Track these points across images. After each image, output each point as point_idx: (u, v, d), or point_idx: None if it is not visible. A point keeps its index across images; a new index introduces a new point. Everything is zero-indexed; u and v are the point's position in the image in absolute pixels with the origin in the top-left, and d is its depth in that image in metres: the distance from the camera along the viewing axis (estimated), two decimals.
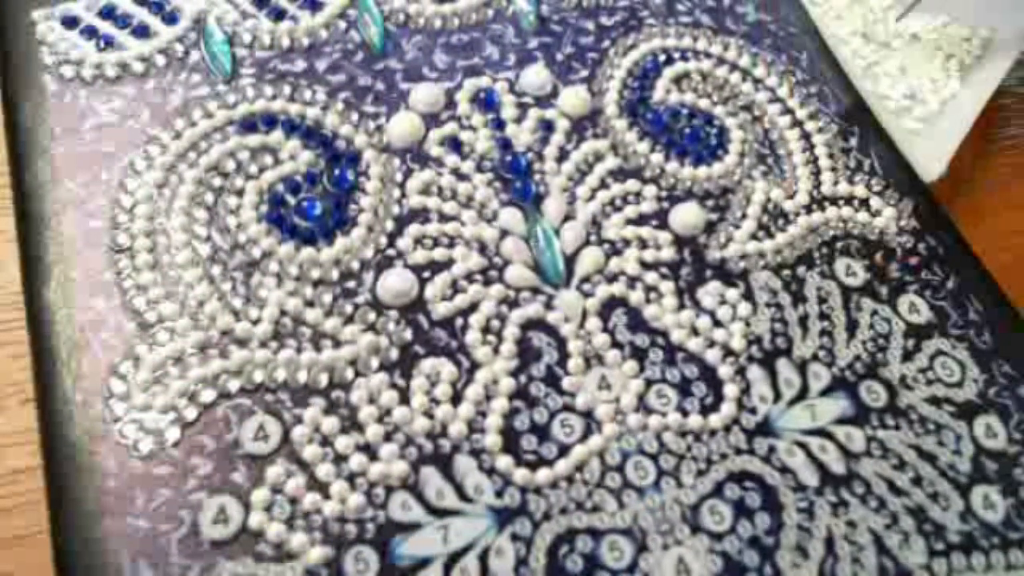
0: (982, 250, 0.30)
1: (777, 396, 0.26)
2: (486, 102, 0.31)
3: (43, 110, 0.29)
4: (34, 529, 0.24)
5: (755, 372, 0.27)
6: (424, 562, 0.23)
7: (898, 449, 0.26)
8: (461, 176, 0.29)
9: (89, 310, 0.25)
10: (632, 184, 0.30)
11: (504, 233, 0.28)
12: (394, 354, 0.26)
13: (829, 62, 0.35)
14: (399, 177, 0.29)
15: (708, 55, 0.34)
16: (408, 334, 0.26)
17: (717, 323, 0.28)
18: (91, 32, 0.31)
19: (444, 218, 0.28)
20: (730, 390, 0.26)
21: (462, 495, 0.24)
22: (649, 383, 0.26)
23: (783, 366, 0.27)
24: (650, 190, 0.30)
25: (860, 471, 0.25)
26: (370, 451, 0.24)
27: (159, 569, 0.22)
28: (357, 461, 0.24)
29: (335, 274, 0.27)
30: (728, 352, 0.27)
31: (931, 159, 0.34)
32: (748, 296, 0.28)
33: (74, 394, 0.24)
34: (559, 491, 0.24)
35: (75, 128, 0.29)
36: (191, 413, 0.24)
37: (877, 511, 0.25)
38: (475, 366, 0.26)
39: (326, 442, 0.24)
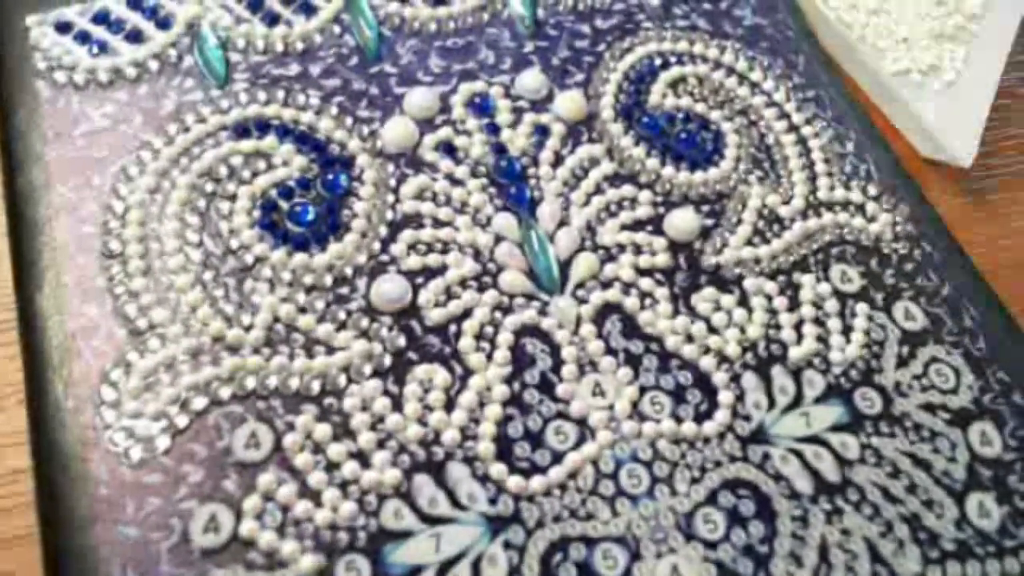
0: (982, 251, 0.30)
1: (772, 403, 0.26)
2: (481, 107, 0.31)
3: (37, 115, 0.29)
4: (34, 529, 0.23)
5: (749, 379, 0.27)
6: (416, 570, 0.23)
7: (892, 456, 0.26)
8: (455, 181, 0.29)
9: (81, 316, 0.25)
10: (627, 189, 0.30)
11: (498, 239, 0.28)
12: (387, 361, 0.26)
13: (826, 66, 0.35)
14: (393, 182, 0.29)
15: (705, 59, 0.34)
16: (401, 340, 0.26)
17: (712, 330, 0.28)
18: (84, 37, 0.31)
19: (438, 223, 0.28)
20: (724, 397, 0.26)
21: (455, 503, 0.24)
22: (643, 390, 0.26)
23: (778, 373, 0.27)
24: (645, 195, 0.30)
25: (855, 479, 0.25)
26: (363, 458, 0.24)
27: None
28: (349, 468, 0.24)
29: (328, 280, 0.27)
30: (723, 359, 0.27)
31: (963, 135, 0.35)
32: (743, 302, 0.28)
33: (66, 401, 0.24)
34: (552, 499, 0.24)
35: (68, 133, 0.29)
36: (182, 420, 0.24)
37: (871, 519, 0.25)
38: (468, 373, 0.26)
39: (318, 449, 0.24)
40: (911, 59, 0.36)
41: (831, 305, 0.28)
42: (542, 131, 0.31)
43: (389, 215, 0.28)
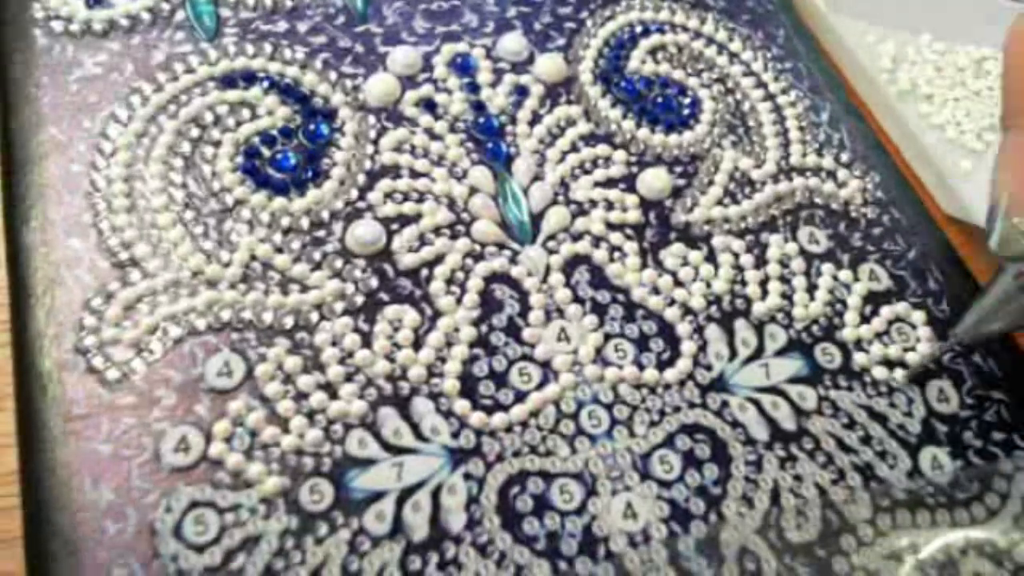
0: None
1: (733, 354, 0.27)
2: (463, 66, 0.32)
3: (32, 62, 0.30)
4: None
5: (713, 331, 0.27)
6: (378, 495, 0.23)
7: (849, 409, 0.27)
8: (434, 136, 0.30)
9: (66, 249, 0.26)
10: (602, 148, 0.31)
11: (473, 190, 0.29)
12: (359, 300, 0.26)
13: (804, 39, 0.35)
14: (373, 134, 0.30)
15: (685, 28, 0.34)
16: (374, 282, 0.27)
17: (678, 283, 0.28)
18: None
19: (415, 174, 0.29)
20: (687, 347, 0.27)
21: (418, 435, 0.24)
22: (608, 337, 0.27)
23: (741, 326, 0.28)
24: (620, 155, 0.31)
25: (810, 428, 0.26)
26: (331, 390, 0.25)
27: (120, 492, 0.22)
28: (317, 399, 0.25)
29: (305, 223, 0.28)
30: (687, 311, 0.28)
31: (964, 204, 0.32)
32: (711, 258, 0.29)
33: (47, 327, 0.25)
34: (513, 435, 0.25)
35: (62, 79, 0.30)
36: (159, 348, 0.25)
37: (824, 467, 0.25)
38: (438, 314, 0.27)
39: (288, 380, 0.25)
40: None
41: (797, 264, 0.29)
42: (521, 91, 0.32)
43: (368, 165, 0.29)
